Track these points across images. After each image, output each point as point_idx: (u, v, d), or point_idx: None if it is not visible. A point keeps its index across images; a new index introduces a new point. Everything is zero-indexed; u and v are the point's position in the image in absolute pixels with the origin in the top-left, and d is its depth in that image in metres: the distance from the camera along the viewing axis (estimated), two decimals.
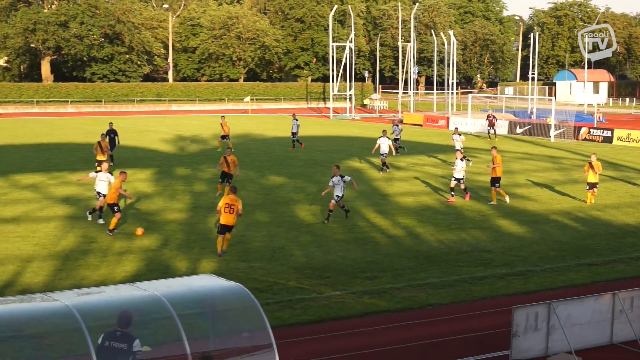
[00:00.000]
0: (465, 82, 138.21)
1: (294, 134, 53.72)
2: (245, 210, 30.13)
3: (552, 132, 64.27)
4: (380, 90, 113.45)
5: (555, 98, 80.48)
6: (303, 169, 44.25)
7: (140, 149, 53.34)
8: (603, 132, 62.90)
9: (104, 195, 28.03)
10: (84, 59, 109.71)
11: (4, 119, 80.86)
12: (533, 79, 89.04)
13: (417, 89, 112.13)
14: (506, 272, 23.24)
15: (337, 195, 29.42)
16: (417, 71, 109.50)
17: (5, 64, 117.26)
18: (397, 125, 50.88)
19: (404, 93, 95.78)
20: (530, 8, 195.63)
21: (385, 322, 18.96)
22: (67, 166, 43.64)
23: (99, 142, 39.49)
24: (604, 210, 32.87)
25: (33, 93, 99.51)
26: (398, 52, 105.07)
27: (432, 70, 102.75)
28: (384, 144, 42.51)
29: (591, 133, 63.67)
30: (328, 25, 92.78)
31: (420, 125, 77.87)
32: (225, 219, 23.50)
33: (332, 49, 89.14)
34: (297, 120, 54.06)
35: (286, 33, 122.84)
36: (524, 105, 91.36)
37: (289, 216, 30.79)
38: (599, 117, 76.62)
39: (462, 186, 34.55)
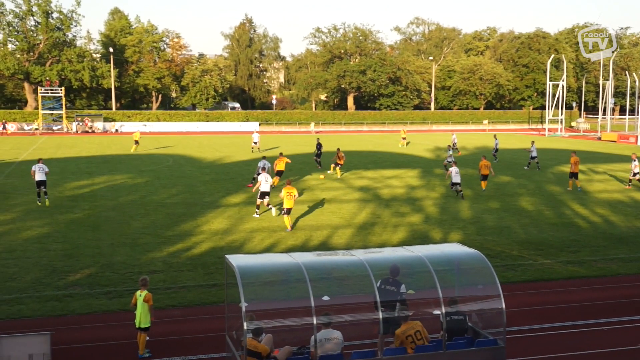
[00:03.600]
0: None
1: (454, 144, 54.55)
2: (481, 199, 29.46)
3: None
4: (585, 115, 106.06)
5: None
6: (524, 171, 42.40)
7: (409, 155, 53.54)
8: None
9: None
10: (375, 94, 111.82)
11: (323, 135, 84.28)
12: None
13: (613, 115, 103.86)
14: None
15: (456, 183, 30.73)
16: (613, 102, 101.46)
17: (325, 99, 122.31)
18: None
19: (602, 117, 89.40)
20: None
21: (584, 285, 17.81)
22: (362, 166, 44.74)
23: (338, 148, 39.87)
24: None
25: (341, 118, 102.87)
26: (599, 88, 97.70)
27: (625, 101, 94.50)
28: (534, 151, 43.03)
29: None
30: (546, 69, 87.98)
31: (615, 141, 72.23)
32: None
33: (549, 86, 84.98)
34: (454, 135, 56.87)
35: (515, 75, 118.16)
36: None
37: (514, 204, 29.63)
38: None
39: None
